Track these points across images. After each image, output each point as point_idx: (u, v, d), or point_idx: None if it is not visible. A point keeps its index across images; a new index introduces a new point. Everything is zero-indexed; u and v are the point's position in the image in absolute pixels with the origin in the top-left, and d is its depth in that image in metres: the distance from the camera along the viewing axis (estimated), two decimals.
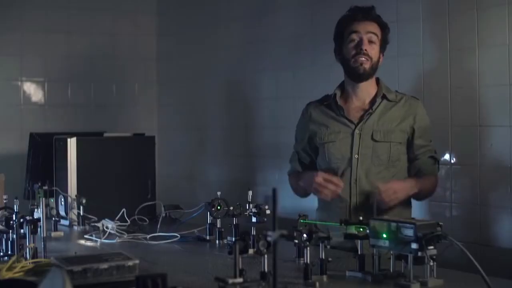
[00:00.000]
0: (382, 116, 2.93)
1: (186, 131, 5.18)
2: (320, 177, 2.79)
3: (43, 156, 3.87)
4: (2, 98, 4.95)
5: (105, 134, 3.89)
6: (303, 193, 3.08)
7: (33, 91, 5.05)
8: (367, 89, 2.97)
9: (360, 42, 2.89)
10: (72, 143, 3.54)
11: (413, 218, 2.43)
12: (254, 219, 2.68)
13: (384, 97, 2.95)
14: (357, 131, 2.92)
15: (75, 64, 5.15)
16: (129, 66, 5.34)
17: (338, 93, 3.00)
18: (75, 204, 3.42)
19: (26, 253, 2.43)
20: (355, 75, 2.92)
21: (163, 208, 3.36)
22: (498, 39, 3.13)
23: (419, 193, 2.89)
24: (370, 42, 2.90)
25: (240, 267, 1.90)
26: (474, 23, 3.22)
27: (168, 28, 5.37)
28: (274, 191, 1.51)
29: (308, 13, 4.15)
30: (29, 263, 2.30)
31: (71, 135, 3.59)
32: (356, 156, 2.90)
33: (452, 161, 3.34)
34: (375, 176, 2.87)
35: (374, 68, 2.92)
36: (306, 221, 2.36)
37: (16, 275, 2.19)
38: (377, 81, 3.00)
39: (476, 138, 3.23)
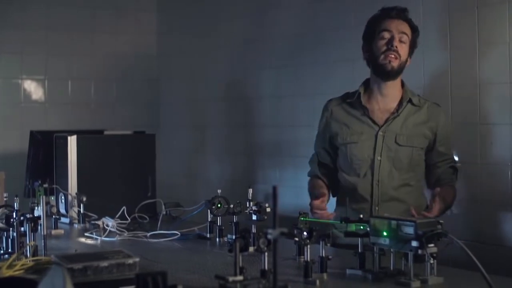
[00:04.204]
0: (406, 120, 2.91)
1: (186, 129, 5.18)
2: (316, 201, 2.79)
3: (43, 154, 3.87)
4: (2, 96, 4.96)
5: (106, 132, 3.89)
6: None
7: (34, 89, 5.05)
8: (393, 90, 2.94)
9: (392, 39, 2.87)
10: (72, 141, 3.54)
11: (413, 216, 2.43)
12: (254, 217, 2.67)
13: (409, 101, 2.93)
14: (380, 133, 2.90)
15: (75, 62, 5.16)
16: (130, 63, 5.33)
17: (362, 92, 2.97)
18: (75, 202, 3.42)
19: (26, 251, 2.43)
20: (382, 73, 2.89)
21: (163, 206, 3.36)
22: (498, 37, 3.13)
23: (443, 211, 2.84)
24: (401, 41, 2.88)
25: (241, 265, 1.90)
26: (475, 21, 3.22)
27: (168, 25, 5.37)
28: (275, 189, 1.51)
29: (309, 10, 4.15)
30: (30, 261, 2.30)
31: (72, 133, 3.59)
32: (379, 158, 2.89)
33: None
34: (396, 179, 2.87)
35: (401, 67, 2.89)
36: (307, 219, 2.36)
37: (17, 273, 2.18)
38: (402, 84, 2.98)
39: (476, 136, 3.23)
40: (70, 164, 3.51)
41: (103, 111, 5.21)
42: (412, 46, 2.94)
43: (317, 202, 2.76)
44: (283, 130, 4.33)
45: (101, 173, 3.59)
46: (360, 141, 2.93)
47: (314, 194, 2.94)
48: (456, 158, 3.27)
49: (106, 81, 5.28)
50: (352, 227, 2.26)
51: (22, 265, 2.23)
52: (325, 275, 2.16)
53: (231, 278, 1.87)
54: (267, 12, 4.44)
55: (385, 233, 2.09)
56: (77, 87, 5.19)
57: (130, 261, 2.11)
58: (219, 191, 2.94)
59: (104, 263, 2.07)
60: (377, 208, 2.85)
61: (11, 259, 2.25)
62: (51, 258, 2.24)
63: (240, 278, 1.88)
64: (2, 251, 2.55)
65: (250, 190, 2.81)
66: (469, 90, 3.26)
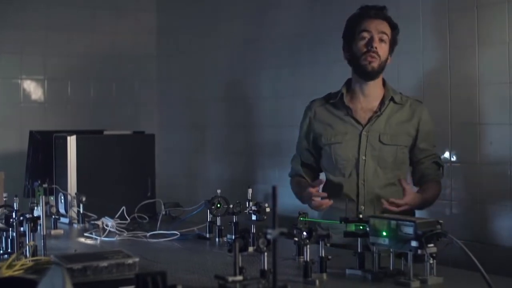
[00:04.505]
0: (389, 118, 2.92)
1: (186, 129, 5.18)
2: (313, 189, 2.78)
3: (43, 154, 3.87)
4: (2, 96, 4.95)
5: (105, 132, 3.89)
6: (300, 200, 3.02)
7: (33, 89, 5.05)
8: (375, 90, 2.95)
9: (371, 40, 2.87)
10: (72, 141, 3.54)
11: (413, 216, 2.43)
12: (254, 217, 2.68)
13: (391, 99, 2.94)
14: (364, 132, 2.90)
15: (75, 62, 5.15)
16: (129, 64, 5.33)
17: (345, 92, 2.97)
18: (75, 202, 3.42)
19: (26, 251, 2.43)
20: (363, 73, 2.90)
21: (163, 206, 3.36)
22: (498, 37, 3.13)
23: (422, 205, 2.87)
24: (381, 41, 2.89)
25: (240, 265, 1.90)
26: (474, 21, 3.22)
27: (168, 26, 5.37)
28: (274, 189, 1.51)
29: (308, 11, 4.15)
30: (29, 261, 2.30)
31: (71, 133, 3.59)
32: (364, 157, 2.89)
33: (452, 159, 3.34)
34: (381, 178, 2.88)
35: (382, 67, 2.90)
36: (306, 219, 2.36)
37: (16, 273, 2.18)
38: (383, 82, 2.99)
39: (476, 136, 3.23)
40: (69, 164, 3.51)
41: (102, 111, 5.21)
42: (392, 44, 2.95)
43: (313, 190, 2.76)
44: (282, 130, 4.33)
45: (100, 173, 3.59)
46: (344, 141, 2.93)
47: (304, 186, 2.94)
48: (454, 158, 3.27)
49: (105, 81, 5.28)
50: (352, 227, 2.26)
51: (22, 265, 2.23)
52: (324, 275, 2.16)
53: (230, 278, 1.87)
54: (267, 12, 4.44)
55: (384, 233, 2.09)
56: (77, 87, 5.18)
57: (130, 261, 2.11)
58: (218, 191, 2.94)
59: (104, 263, 2.07)
60: (363, 207, 2.85)
61: (10, 259, 2.25)
62: (50, 258, 2.24)
63: (239, 278, 1.88)
64: (1, 251, 2.55)
65: (250, 190, 2.81)
66: (468, 90, 3.26)
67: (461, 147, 3.32)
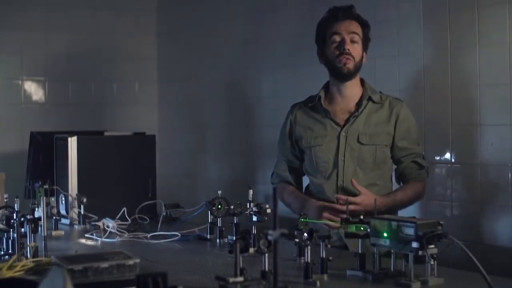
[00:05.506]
0: (368, 118, 2.93)
1: (186, 129, 5.18)
2: (327, 213, 2.77)
3: (43, 155, 3.87)
4: (2, 97, 4.96)
5: (106, 133, 3.89)
6: (295, 211, 2.99)
7: (34, 90, 5.05)
8: (352, 90, 2.96)
9: (343, 42, 2.89)
10: (72, 142, 3.53)
11: (413, 217, 2.43)
12: (254, 218, 2.67)
13: (369, 99, 2.95)
14: (343, 133, 2.92)
15: (75, 63, 5.16)
16: (130, 65, 5.34)
17: (323, 95, 2.99)
18: (75, 203, 3.42)
19: (26, 252, 2.43)
20: (339, 75, 2.92)
21: (163, 207, 3.36)
22: (498, 37, 3.13)
23: (393, 207, 2.85)
24: (352, 41, 2.90)
25: (241, 266, 1.90)
26: (475, 22, 3.22)
27: (168, 27, 5.37)
28: (275, 190, 1.51)
29: (308, 11, 4.15)
30: (30, 262, 2.30)
31: (72, 134, 3.59)
32: (342, 158, 2.90)
33: (453, 160, 3.34)
34: (361, 179, 2.87)
35: (357, 67, 2.92)
36: (307, 220, 2.36)
37: (17, 274, 2.19)
38: (362, 82, 2.99)
39: (477, 137, 3.23)
40: (70, 165, 3.51)
41: (103, 112, 5.21)
42: (365, 42, 2.95)
43: (335, 226, 2.71)
44: None
45: (101, 174, 3.59)
46: (325, 143, 2.95)
47: (300, 197, 2.97)
48: (455, 159, 3.27)
49: (106, 82, 5.28)
50: (352, 228, 2.26)
51: (23, 266, 2.23)
52: (325, 276, 2.16)
53: (231, 279, 1.87)
54: (267, 13, 4.45)
55: (385, 234, 2.09)
56: (77, 88, 5.19)
57: (131, 262, 2.11)
58: (219, 192, 2.94)
59: (105, 264, 2.07)
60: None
61: (11, 260, 2.25)
62: (51, 259, 2.24)
63: (240, 279, 1.88)
64: (2, 252, 2.55)
65: (251, 191, 2.81)
66: (468, 91, 3.26)
67: (461, 148, 3.32)
